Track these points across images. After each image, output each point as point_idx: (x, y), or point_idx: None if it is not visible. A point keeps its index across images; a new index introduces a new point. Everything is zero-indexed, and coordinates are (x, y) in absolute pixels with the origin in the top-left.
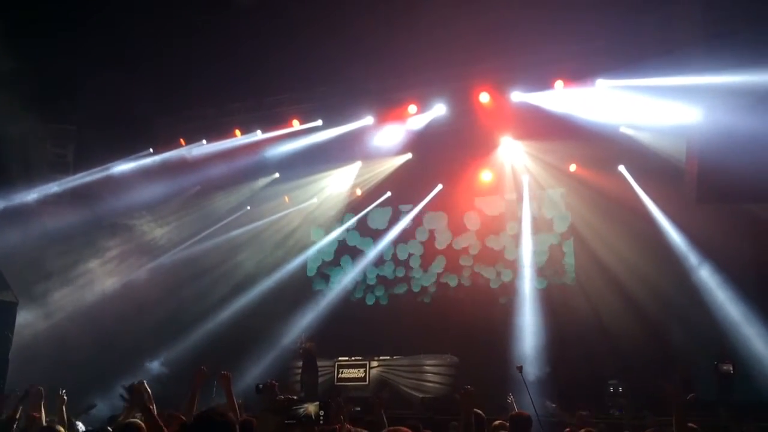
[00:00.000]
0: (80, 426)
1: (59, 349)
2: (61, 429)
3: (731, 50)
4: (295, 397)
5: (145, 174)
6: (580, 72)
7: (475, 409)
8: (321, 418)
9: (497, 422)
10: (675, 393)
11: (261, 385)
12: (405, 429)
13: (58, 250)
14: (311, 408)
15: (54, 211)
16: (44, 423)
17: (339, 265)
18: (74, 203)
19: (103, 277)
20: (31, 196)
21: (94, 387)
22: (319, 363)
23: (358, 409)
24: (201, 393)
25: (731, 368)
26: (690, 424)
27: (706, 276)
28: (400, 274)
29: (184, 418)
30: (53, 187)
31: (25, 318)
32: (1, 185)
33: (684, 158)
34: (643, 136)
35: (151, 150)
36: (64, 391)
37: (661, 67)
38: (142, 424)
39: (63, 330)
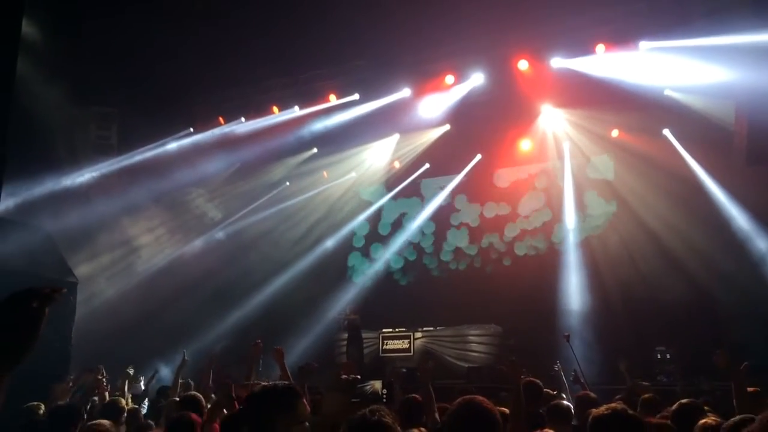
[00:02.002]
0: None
1: (112, 325)
2: (123, 402)
3: None
4: (359, 377)
5: (187, 153)
6: (623, 35)
7: (531, 379)
8: (384, 396)
9: (555, 392)
10: (726, 361)
11: (299, 367)
12: (480, 397)
13: (108, 229)
14: (376, 385)
15: (101, 192)
16: (107, 398)
17: (380, 239)
18: (121, 183)
19: (151, 254)
20: (79, 178)
21: (146, 360)
22: (364, 335)
23: (404, 370)
24: None
25: None
26: (750, 389)
27: (757, 239)
28: (439, 246)
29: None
30: (100, 169)
31: (80, 296)
32: (49, 169)
33: (732, 120)
34: (689, 99)
35: (191, 129)
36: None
37: (708, 27)
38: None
39: (115, 306)
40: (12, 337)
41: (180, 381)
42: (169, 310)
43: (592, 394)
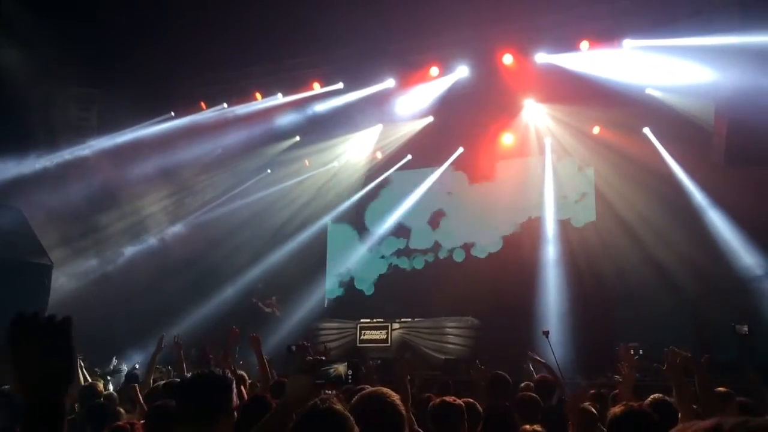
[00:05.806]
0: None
1: (89, 310)
2: (101, 385)
3: (766, 9)
4: (323, 358)
5: (168, 136)
6: (607, 32)
7: (498, 372)
8: (349, 378)
9: (523, 384)
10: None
11: (294, 347)
12: (384, 389)
13: (86, 212)
14: (340, 368)
15: (79, 174)
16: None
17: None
18: (100, 165)
19: (130, 237)
20: (58, 159)
21: (125, 346)
22: (342, 325)
23: (379, 361)
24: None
25: (746, 329)
26: (719, 389)
27: (732, 240)
28: (420, 238)
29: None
30: (79, 150)
31: (57, 279)
32: (27, 149)
33: (712, 121)
34: (670, 98)
35: (173, 113)
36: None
37: (692, 27)
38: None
39: (92, 290)
40: (63, 360)
41: (156, 366)
42: (149, 295)
43: (550, 378)
